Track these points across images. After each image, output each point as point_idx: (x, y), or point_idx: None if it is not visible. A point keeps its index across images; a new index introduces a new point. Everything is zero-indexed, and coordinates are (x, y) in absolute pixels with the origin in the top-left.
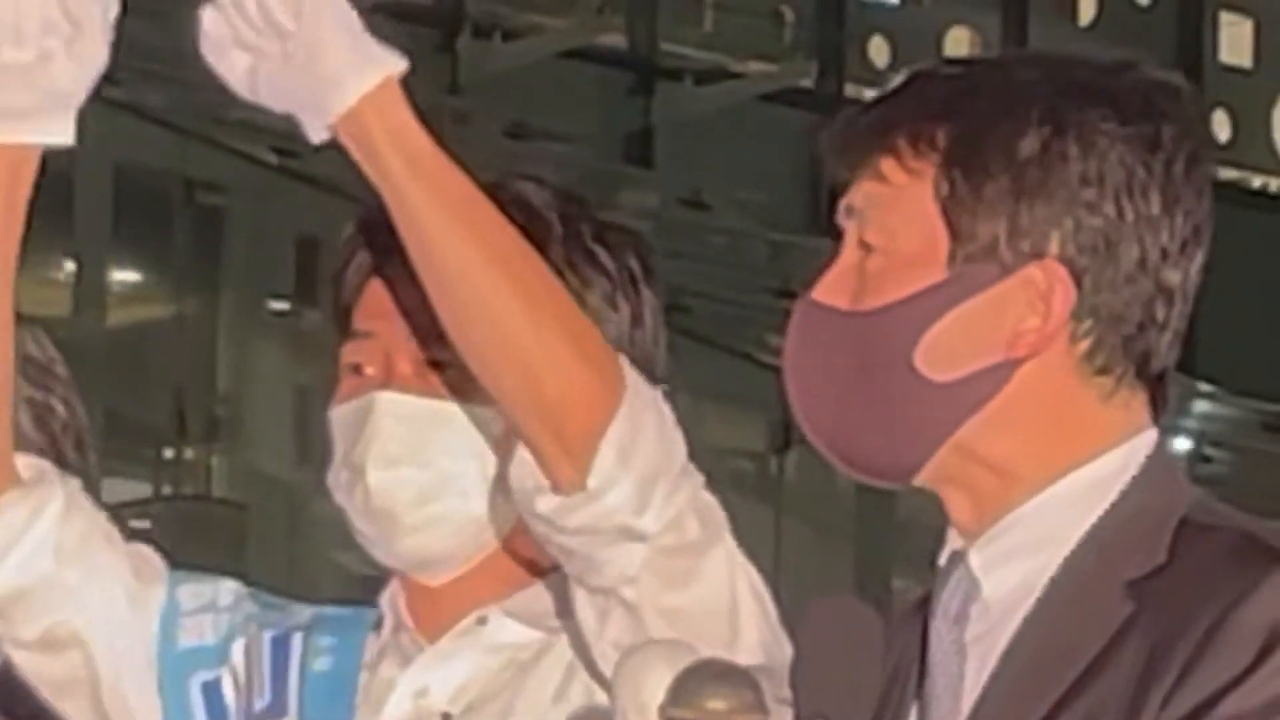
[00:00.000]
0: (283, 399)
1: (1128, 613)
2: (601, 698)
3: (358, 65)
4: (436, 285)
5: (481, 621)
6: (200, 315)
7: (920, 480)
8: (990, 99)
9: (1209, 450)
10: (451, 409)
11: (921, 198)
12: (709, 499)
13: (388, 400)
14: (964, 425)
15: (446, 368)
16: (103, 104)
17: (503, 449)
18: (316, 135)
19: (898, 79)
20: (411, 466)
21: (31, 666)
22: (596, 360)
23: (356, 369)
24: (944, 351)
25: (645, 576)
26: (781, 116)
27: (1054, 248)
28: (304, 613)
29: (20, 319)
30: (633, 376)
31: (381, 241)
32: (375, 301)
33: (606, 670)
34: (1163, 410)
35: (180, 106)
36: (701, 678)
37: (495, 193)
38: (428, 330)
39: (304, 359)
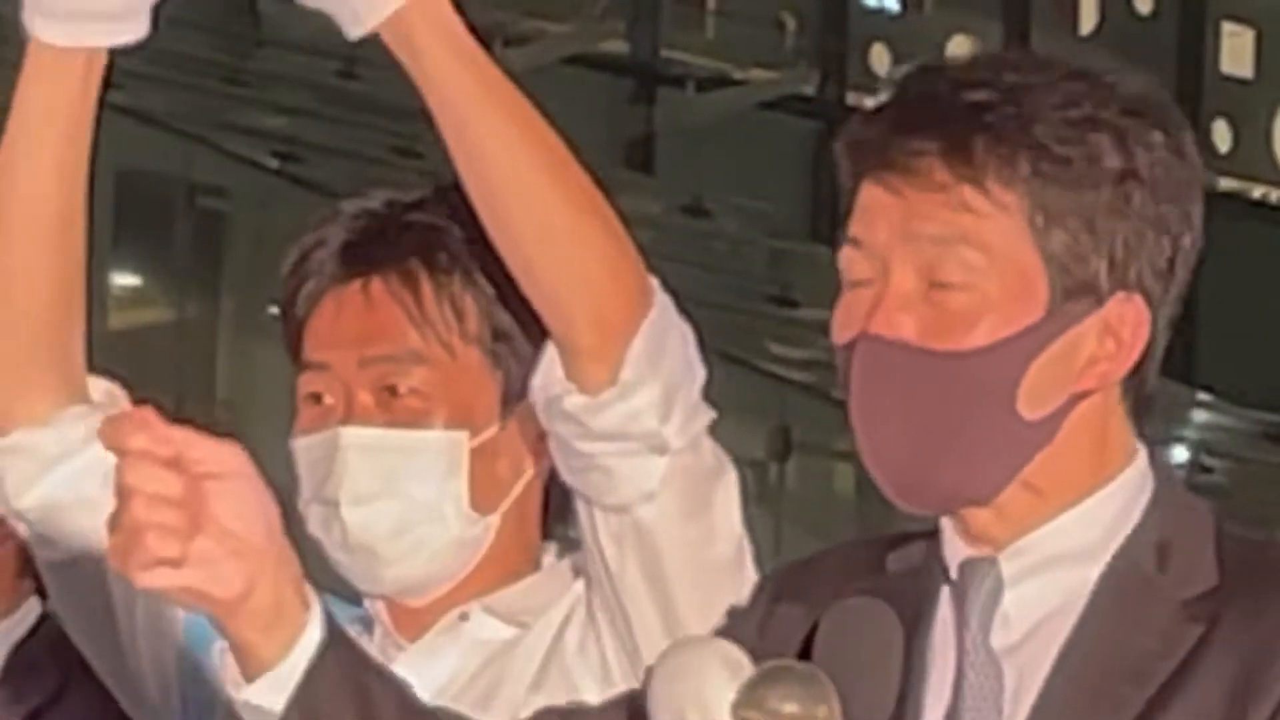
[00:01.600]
0: (283, 404)
1: (1198, 633)
2: (581, 683)
3: None
4: (483, 179)
5: (463, 617)
6: (201, 319)
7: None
8: (1059, 122)
9: (1208, 460)
10: (416, 435)
11: (1011, 232)
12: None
13: (353, 435)
14: (1035, 459)
15: (406, 393)
16: (104, 108)
17: (474, 465)
18: (355, 32)
19: (906, 78)
20: (385, 499)
21: (56, 586)
22: (632, 260)
23: (316, 398)
24: (1041, 390)
25: (664, 495)
26: (783, 124)
27: (1133, 275)
28: None
29: None
30: (661, 291)
31: (328, 268)
32: (327, 331)
33: (632, 606)
34: (1144, 423)
35: (182, 111)
36: (778, 680)
37: (431, 206)
38: (383, 357)
39: None
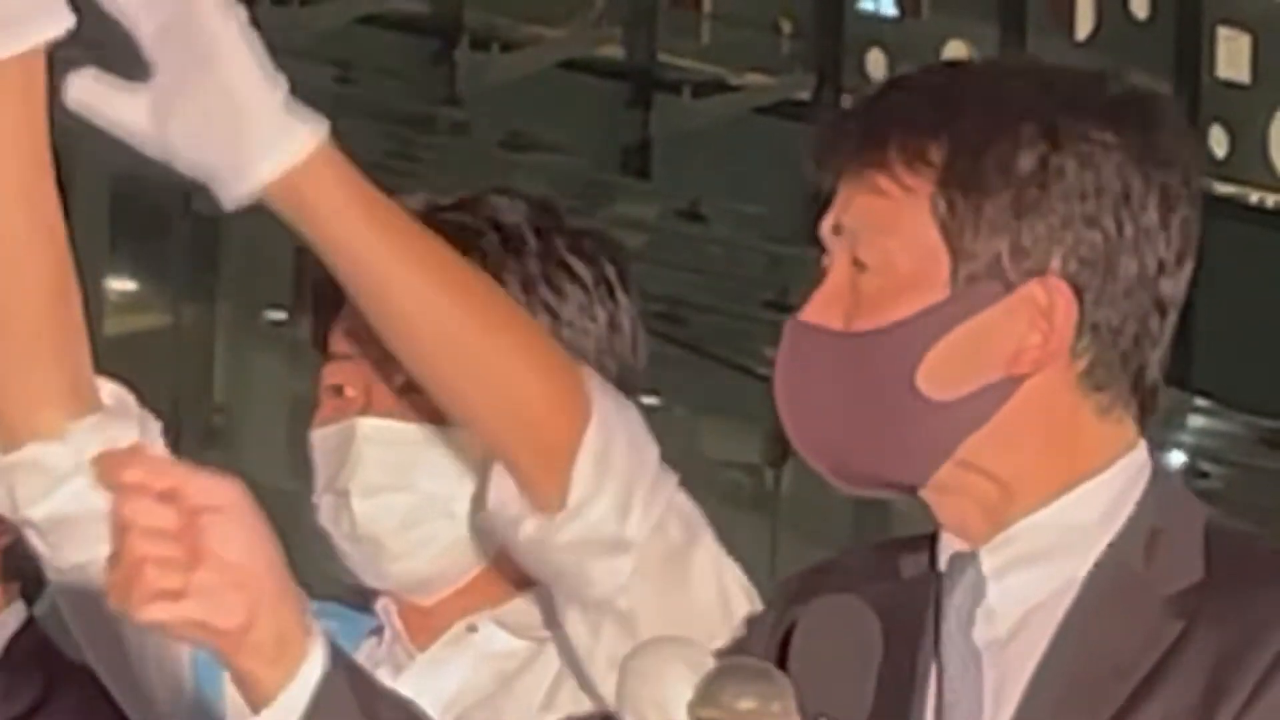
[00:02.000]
0: (279, 409)
1: (1178, 629)
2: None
3: (289, 126)
4: (398, 329)
5: (471, 629)
6: (197, 325)
7: (926, 491)
8: (983, 112)
9: (1205, 465)
10: (434, 431)
11: (919, 216)
12: (685, 500)
13: (369, 426)
14: (965, 442)
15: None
16: None
17: (487, 468)
18: (240, 191)
19: (880, 85)
20: (396, 492)
21: (64, 597)
22: (563, 374)
23: (338, 390)
24: (946, 371)
25: (636, 584)
26: (779, 129)
27: (1055, 264)
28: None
29: None
30: (598, 386)
31: None
32: (353, 323)
33: (602, 685)
34: (1149, 422)
35: None
36: (731, 677)
37: (468, 209)
38: None
39: (301, 369)
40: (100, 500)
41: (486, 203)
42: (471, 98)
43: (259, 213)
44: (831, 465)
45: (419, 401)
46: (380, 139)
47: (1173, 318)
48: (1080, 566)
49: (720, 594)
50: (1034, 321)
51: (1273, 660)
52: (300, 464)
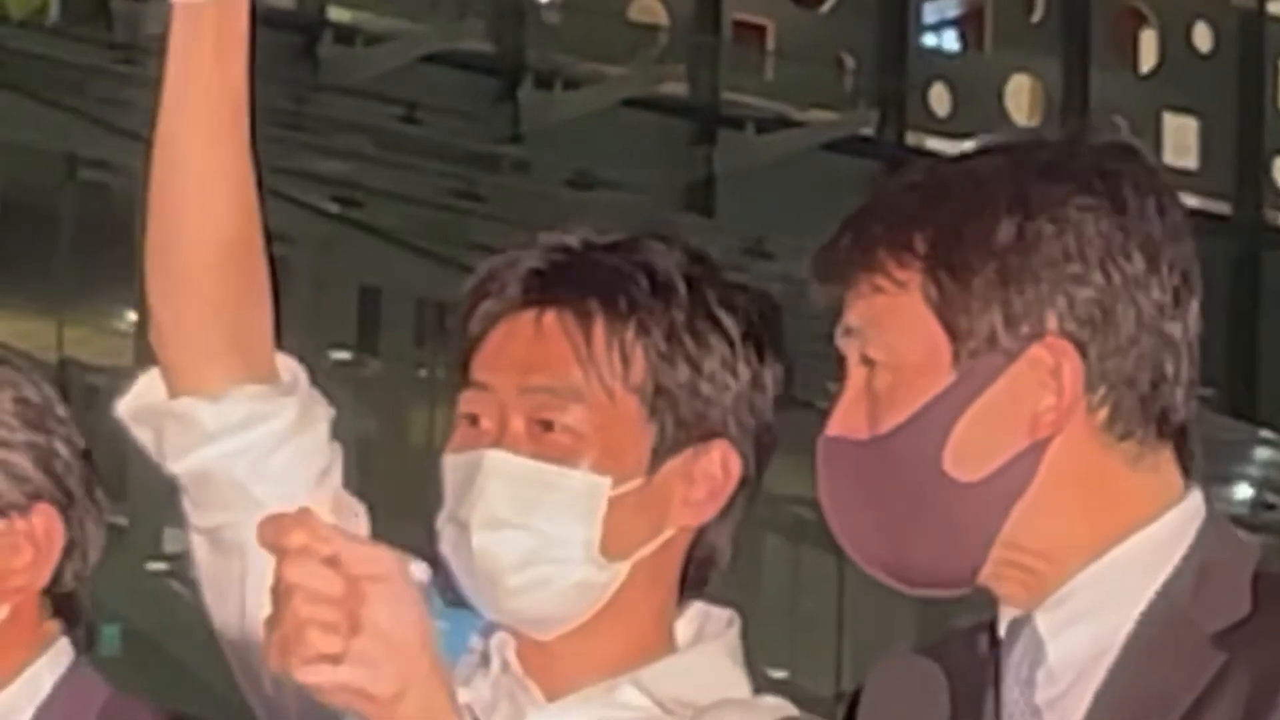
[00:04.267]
0: (344, 449)
1: (1221, 662)
2: None
3: None
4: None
5: (611, 690)
6: None
7: (982, 579)
8: (960, 197)
9: (1271, 497)
10: (559, 472)
11: (914, 306)
12: None
13: (497, 459)
14: (1009, 518)
15: (559, 429)
16: None
17: (610, 517)
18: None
19: (865, 198)
20: (515, 529)
21: (200, 556)
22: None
23: (473, 419)
24: (971, 451)
25: None
26: (843, 165)
27: (1052, 324)
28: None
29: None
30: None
31: (509, 293)
32: (494, 353)
33: None
34: (1192, 465)
35: None
36: None
37: (623, 252)
38: (542, 388)
39: (365, 409)
40: (241, 470)
41: (642, 246)
42: (534, 136)
43: (323, 253)
44: (890, 572)
45: (549, 440)
46: (444, 177)
47: (1190, 356)
48: (1132, 612)
49: None
50: (1044, 383)
51: None
52: (364, 504)
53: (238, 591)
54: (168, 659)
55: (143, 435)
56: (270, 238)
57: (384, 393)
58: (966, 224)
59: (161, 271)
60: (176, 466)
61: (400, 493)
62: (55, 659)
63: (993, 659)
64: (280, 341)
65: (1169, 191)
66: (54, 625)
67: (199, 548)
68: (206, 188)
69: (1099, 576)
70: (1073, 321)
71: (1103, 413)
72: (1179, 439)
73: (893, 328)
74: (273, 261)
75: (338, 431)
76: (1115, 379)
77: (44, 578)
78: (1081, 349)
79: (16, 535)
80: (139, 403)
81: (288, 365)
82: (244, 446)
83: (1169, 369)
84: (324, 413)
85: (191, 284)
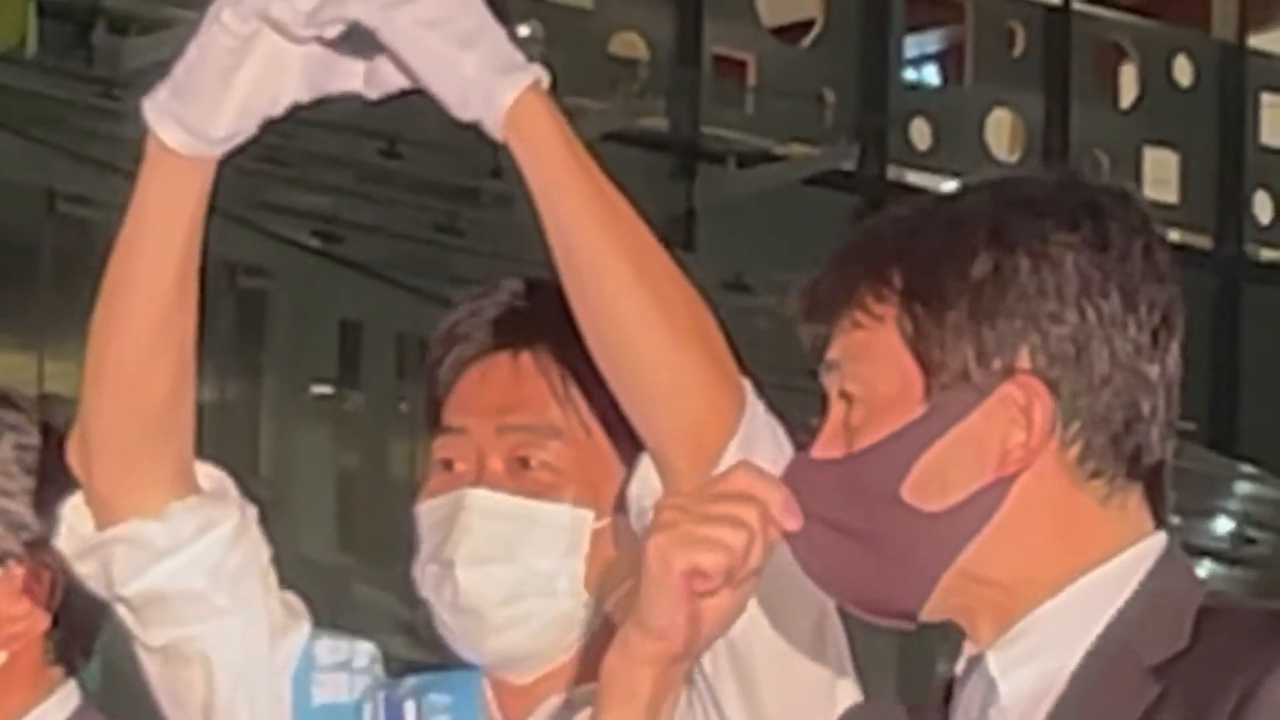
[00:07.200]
0: (326, 483)
1: (1156, 693)
2: None
3: (512, 60)
4: (589, 308)
5: (568, 706)
6: (242, 399)
7: (930, 612)
8: (938, 231)
9: (1252, 532)
10: (542, 507)
11: (890, 340)
12: None
13: (479, 497)
14: (964, 551)
15: (537, 466)
16: None
17: (592, 547)
18: (490, 122)
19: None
20: (500, 564)
21: (152, 670)
22: (730, 379)
23: (447, 464)
24: (933, 483)
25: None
26: (823, 199)
27: (1024, 362)
28: (407, 682)
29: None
30: (751, 394)
31: (479, 337)
32: (469, 397)
33: (728, 706)
34: (1164, 506)
35: (222, 190)
36: None
37: None
38: (521, 427)
39: (347, 443)
40: (195, 580)
41: None
42: (516, 170)
43: (304, 287)
44: (845, 595)
45: (528, 477)
46: (425, 212)
47: (1167, 396)
48: (1081, 648)
49: (817, 604)
50: (1015, 420)
51: (1233, 709)
52: (346, 538)
53: (200, 698)
54: (149, 694)
55: (85, 569)
56: (251, 272)
57: (365, 426)
58: (943, 257)
59: (101, 397)
60: (128, 590)
61: (381, 526)
62: (62, 702)
63: (946, 702)
64: (261, 376)
65: (1159, 237)
66: (58, 670)
67: (150, 663)
68: (173, 329)
69: (1052, 614)
70: (1045, 358)
71: (1074, 450)
72: (1152, 479)
73: (868, 361)
74: (253, 296)
75: (321, 464)
76: (1087, 417)
77: (43, 624)
78: (1054, 387)
79: (14, 583)
80: (76, 536)
81: (205, 472)
82: (197, 556)
83: (1144, 408)
84: (252, 511)
85: (151, 416)
